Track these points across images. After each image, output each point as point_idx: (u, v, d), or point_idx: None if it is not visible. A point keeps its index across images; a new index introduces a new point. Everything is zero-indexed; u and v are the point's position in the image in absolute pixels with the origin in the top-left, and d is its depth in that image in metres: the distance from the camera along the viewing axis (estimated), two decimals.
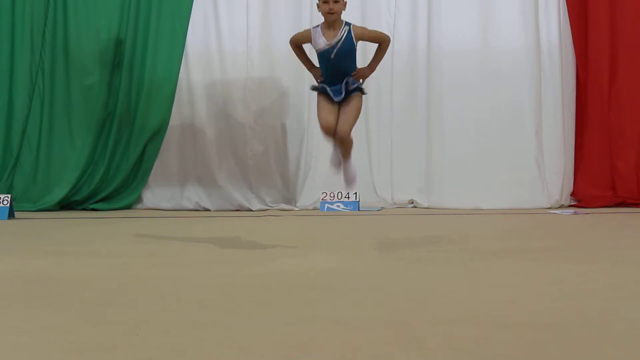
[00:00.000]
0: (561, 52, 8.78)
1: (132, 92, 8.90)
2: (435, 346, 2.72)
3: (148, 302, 3.49)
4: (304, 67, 5.13)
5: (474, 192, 8.59)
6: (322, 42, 4.71)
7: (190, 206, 8.85)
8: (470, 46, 8.80)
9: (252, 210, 8.60)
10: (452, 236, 6.14)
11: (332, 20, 4.71)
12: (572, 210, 8.31)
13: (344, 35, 4.68)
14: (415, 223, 7.37)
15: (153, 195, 9.00)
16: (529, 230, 6.68)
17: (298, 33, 5.07)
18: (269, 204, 8.81)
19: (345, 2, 4.76)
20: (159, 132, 8.87)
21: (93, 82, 8.85)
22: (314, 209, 8.74)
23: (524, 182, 8.64)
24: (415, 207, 8.82)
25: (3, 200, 7.74)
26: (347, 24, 4.75)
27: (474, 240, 5.77)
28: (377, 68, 5.02)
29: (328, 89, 4.74)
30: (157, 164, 8.97)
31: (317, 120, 9.06)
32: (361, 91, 4.82)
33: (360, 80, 4.87)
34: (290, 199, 8.95)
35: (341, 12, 4.74)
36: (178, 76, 8.85)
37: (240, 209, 8.68)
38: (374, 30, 5.05)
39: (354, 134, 4.99)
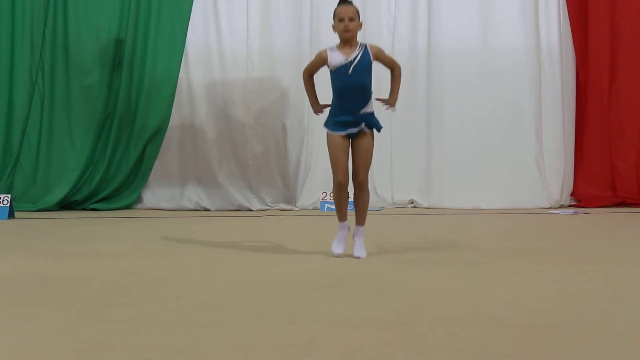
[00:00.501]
0: (561, 52, 8.78)
1: (132, 92, 8.90)
2: (435, 346, 2.73)
3: (148, 302, 3.49)
4: (308, 97, 4.88)
5: (474, 192, 8.59)
6: (339, 58, 4.55)
7: (190, 206, 8.85)
8: (470, 46, 8.80)
9: (252, 210, 8.60)
10: (452, 236, 6.14)
11: (348, 38, 4.56)
12: (572, 210, 8.32)
13: (361, 52, 4.57)
14: (415, 223, 7.38)
15: (153, 195, 9.00)
16: (529, 230, 6.69)
17: (311, 61, 4.79)
18: (269, 204, 8.81)
19: (361, 23, 4.63)
20: (159, 132, 8.87)
21: (93, 82, 8.85)
22: (314, 209, 8.74)
23: (524, 182, 8.64)
24: (415, 207, 8.83)
25: (3, 200, 7.74)
26: (363, 43, 4.65)
27: (473, 240, 5.77)
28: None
29: (343, 131, 4.55)
30: (157, 164, 8.97)
31: (317, 120, 9.15)
32: (378, 129, 4.66)
33: (390, 108, 4.80)
34: (290, 199, 8.95)
35: (357, 32, 4.60)
36: (178, 76, 8.85)
37: (240, 209, 8.69)
38: (389, 55, 4.89)
39: None
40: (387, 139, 8.80)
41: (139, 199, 8.97)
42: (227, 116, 8.89)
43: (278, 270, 4.36)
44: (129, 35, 8.87)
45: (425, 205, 8.77)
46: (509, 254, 4.97)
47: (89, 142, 8.87)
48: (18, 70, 8.96)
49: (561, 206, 8.62)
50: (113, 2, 8.88)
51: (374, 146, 4.68)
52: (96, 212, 8.63)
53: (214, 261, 4.80)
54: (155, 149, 8.92)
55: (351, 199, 4.79)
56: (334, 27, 4.59)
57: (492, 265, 4.52)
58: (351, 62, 4.51)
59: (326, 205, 8.61)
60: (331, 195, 8.73)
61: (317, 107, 4.85)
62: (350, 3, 4.61)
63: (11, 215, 7.73)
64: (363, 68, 4.52)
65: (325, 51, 4.63)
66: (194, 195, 8.91)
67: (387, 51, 8.84)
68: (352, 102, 4.52)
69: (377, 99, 4.74)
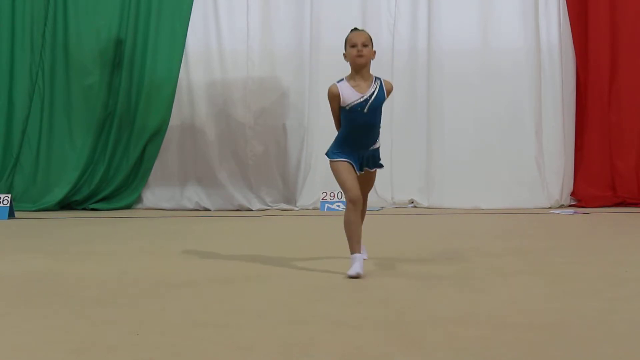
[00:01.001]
0: (561, 52, 8.78)
1: (132, 92, 8.90)
2: (435, 346, 2.73)
3: (148, 302, 3.49)
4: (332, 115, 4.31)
5: (473, 192, 8.59)
6: (354, 95, 4.11)
7: (190, 206, 8.85)
8: (470, 46, 8.80)
9: (252, 210, 8.60)
10: (451, 236, 6.14)
11: (360, 64, 4.12)
12: (572, 210, 8.32)
13: (377, 88, 4.16)
14: (415, 223, 7.37)
15: (153, 195, 9.00)
16: (529, 230, 6.69)
17: (331, 106, 4.23)
18: (269, 204, 8.81)
19: (375, 52, 4.20)
20: (159, 132, 8.87)
21: (93, 82, 8.85)
22: (314, 208, 8.74)
23: (524, 182, 8.64)
24: (415, 207, 8.83)
25: (3, 200, 7.74)
26: (377, 78, 4.23)
27: (473, 240, 5.77)
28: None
29: (355, 164, 4.21)
30: (157, 164, 8.97)
31: (316, 121, 9.18)
32: (380, 167, 4.41)
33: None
34: (290, 199, 8.95)
35: (370, 60, 4.18)
36: (178, 76, 8.85)
37: (240, 209, 8.69)
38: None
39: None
40: (387, 139, 8.78)
41: (139, 199, 8.97)
42: (227, 116, 8.89)
43: (278, 270, 4.36)
44: (129, 35, 8.87)
45: (425, 205, 8.77)
46: (509, 254, 4.97)
47: (89, 142, 8.88)
48: (18, 70, 8.96)
49: (561, 206, 8.62)
50: (113, 2, 8.89)
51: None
52: (96, 212, 8.63)
53: (214, 261, 4.80)
54: (155, 149, 8.92)
55: None
56: (345, 55, 4.19)
57: (492, 265, 4.52)
58: (367, 100, 4.12)
59: (326, 205, 8.62)
60: (331, 195, 8.78)
61: None
62: (362, 30, 4.28)
63: (11, 215, 7.73)
64: (378, 105, 4.16)
65: (335, 87, 4.16)
66: (194, 195, 8.91)
67: (388, 52, 9.00)
68: (363, 139, 4.22)
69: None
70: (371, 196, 9.25)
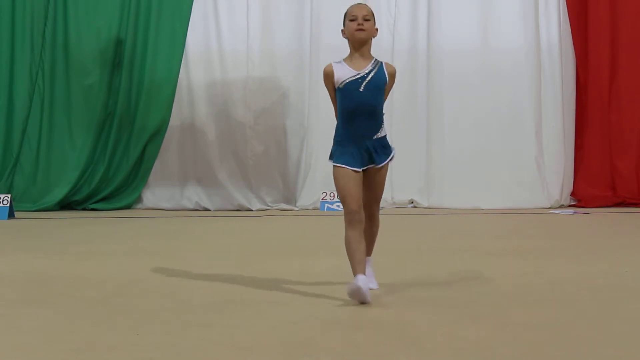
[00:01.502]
0: (561, 52, 8.78)
1: (132, 92, 8.90)
2: (435, 346, 2.73)
3: (148, 302, 3.49)
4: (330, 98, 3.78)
5: (473, 192, 8.59)
6: (350, 72, 3.59)
7: (190, 206, 8.85)
8: (470, 46, 8.80)
9: (252, 210, 8.60)
10: (451, 236, 6.15)
11: (360, 40, 3.60)
12: (572, 210, 8.32)
13: (377, 67, 3.63)
14: (415, 223, 7.38)
15: (153, 195, 9.00)
16: (529, 230, 6.69)
17: (328, 90, 3.75)
18: (269, 204, 8.81)
19: (377, 29, 3.69)
20: (159, 132, 8.87)
21: (93, 82, 8.85)
22: (314, 209, 8.74)
23: (524, 182, 8.64)
24: (415, 207, 8.83)
25: (3, 200, 7.74)
26: (378, 60, 3.69)
27: (473, 240, 5.78)
28: None
29: (353, 166, 3.58)
30: (157, 164, 8.97)
31: (316, 121, 9.19)
32: (391, 158, 3.72)
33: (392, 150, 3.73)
34: (290, 199, 8.95)
35: (371, 37, 3.66)
36: (178, 76, 8.85)
37: (240, 209, 8.68)
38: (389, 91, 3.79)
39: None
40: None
41: (139, 199, 8.97)
42: (227, 116, 8.89)
43: (278, 270, 4.36)
44: (129, 35, 8.87)
45: (425, 205, 8.77)
46: (509, 254, 4.97)
47: (89, 142, 8.87)
48: (18, 70, 8.96)
49: (561, 206, 8.62)
50: (113, 2, 8.88)
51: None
52: (96, 212, 8.63)
53: (214, 261, 4.80)
54: (155, 149, 8.91)
55: None
56: (343, 31, 3.68)
57: (492, 265, 4.52)
58: (364, 77, 3.58)
59: (326, 205, 8.62)
60: (331, 195, 8.77)
61: None
62: (364, 4, 3.78)
63: (11, 215, 7.73)
64: (377, 87, 3.60)
65: (329, 65, 3.67)
66: (194, 195, 8.91)
67: (388, 52, 9.00)
68: (362, 127, 3.59)
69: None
70: None
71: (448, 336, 2.85)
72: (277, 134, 8.94)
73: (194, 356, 2.61)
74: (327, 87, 3.72)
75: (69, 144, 8.89)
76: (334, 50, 9.00)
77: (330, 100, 3.76)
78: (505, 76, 8.73)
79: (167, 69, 8.83)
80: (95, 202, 8.81)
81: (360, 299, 3.33)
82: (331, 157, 3.65)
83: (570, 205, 8.71)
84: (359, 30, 3.61)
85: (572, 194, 8.85)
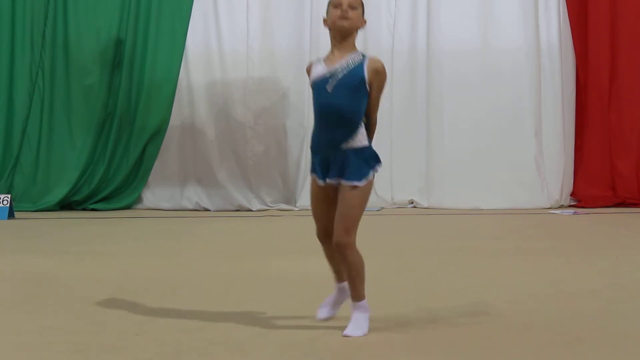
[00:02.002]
0: (561, 52, 8.77)
1: (132, 92, 8.89)
2: (435, 346, 2.73)
3: (148, 302, 3.50)
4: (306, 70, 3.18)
5: (473, 192, 8.58)
6: (322, 69, 2.99)
7: (190, 206, 8.85)
8: (470, 46, 8.79)
9: (252, 210, 8.60)
10: (451, 237, 6.15)
11: (342, 30, 2.98)
12: (572, 210, 8.31)
13: (354, 63, 2.96)
14: (414, 223, 7.38)
15: (153, 195, 9.00)
16: (528, 230, 6.69)
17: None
18: (269, 204, 8.81)
19: (365, 20, 3.09)
20: (159, 132, 8.86)
21: (93, 82, 8.84)
22: None
23: (523, 182, 8.64)
24: (415, 207, 8.82)
25: (3, 200, 7.73)
26: (363, 54, 3.03)
27: (473, 241, 5.78)
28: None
29: (318, 171, 3.01)
30: (157, 164, 8.97)
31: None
32: (362, 178, 2.94)
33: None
34: (290, 199, 8.95)
35: (356, 28, 3.04)
36: (178, 76, 8.84)
37: (240, 209, 8.68)
38: (380, 94, 3.09)
39: None
40: (387, 139, 8.80)
41: (139, 199, 8.97)
42: (227, 116, 8.89)
43: (278, 271, 4.36)
44: (129, 35, 8.87)
45: (425, 205, 8.76)
46: (509, 254, 4.97)
47: (89, 142, 8.87)
48: (18, 70, 8.96)
49: (561, 206, 8.62)
50: (113, 2, 8.88)
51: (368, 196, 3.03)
52: (96, 212, 8.63)
53: (214, 261, 4.81)
54: (155, 149, 8.91)
55: None
56: (325, 20, 3.07)
57: (492, 265, 4.52)
58: (334, 75, 2.95)
59: None
60: None
61: None
62: None
63: (11, 215, 7.72)
64: (349, 87, 2.94)
65: (310, 63, 3.12)
66: (194, 195, 8.91)
67: (387, 52, 9.01)
68: (327, 131, 2.97)
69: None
70: (371, 196, 9.33)
71: (448, 336, 2.85)
72: (277, 134, 8.94)
73: (194, 356, 2.61)
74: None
75: (69, 144, 8.89)
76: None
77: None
78: (505, 76, 8.72)
79: (167, 69, 8.83)
80: (95, 202, 8.81)
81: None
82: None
83: (570, 206, 8.71)
84: (342, 19, 2.99)
85: (572, 194, 8.84)
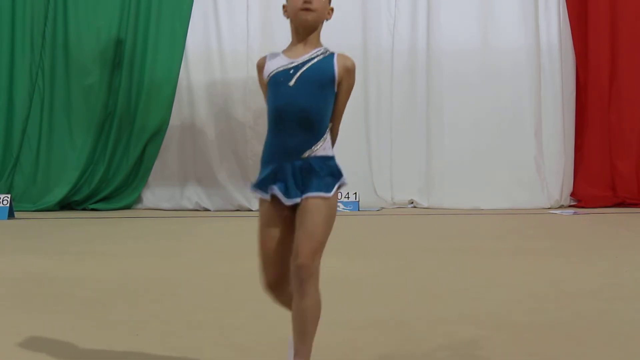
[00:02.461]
0: (561, 52, 8.78)
1: (132, 92, 8.90)
2: (435, 346, 2.73)
3: (148, 302, 3.50)
4: None
5: (473, 192, 8.58)
6: (282, 60, 2.45)
7: (190, 206, 8.85)
8: (470, 46, 8.79)
9: (252, 210, 8.60)
10: (451, 236, 6.15)
11: (303, 22, 2.43)
12: (572, 210, 8.32)
13: (320, 57, 2.43)
14: (414, 223, 7.37)
15: (153, 195, 9.00)
16: (528, 230, 6.69)
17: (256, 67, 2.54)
18: None
19: (332, 9, 2.51)
20: (159, 132, 8.87)
21: (93, 82, 8.85)
22: None
23: (523, 182, 8.64)
24: (415, 207, 8.82)
25: (3, 200, 7.74)
26: (329, 50, 2.49)
27: (473, 241, 5.78)
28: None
29: (274, 190, 2.42)
30: (157, 164, 8.97)
31: None
32: (329, 189, 2.36)
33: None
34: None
35: (321, 21, 2.48)
36: (178, 76, 8.85)
37: (240, 209, 8.69)
38: (348, 95, 2.49)
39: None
40: (387, 139, 8.80)
41: (138, 199, 8.97)
42: (227, 116, 8.90)
43: None
44: (129, 35, 8.88)
45: (425, 205, 8.76)
46: (509, 254, 4.97)
47: (89, 142, 8.88)
48: (18, 70, 8.96)
49: (561, 206, 8.62)
50: (113, 2, 8.89)
51: (335, 212, 2.40)
52: (96, 212, 8.63)
53: (214, 261, 4.81)
54: (155, 149, 8.92)
55: None
56: (284, 8, 2.50)
57: (492, 265, 4.52)
58: (298, 67, 2.41)
59: None
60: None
61: None
62: None
63: (11, 215, 7.72)
64: (316, 82, 2.40)
65: (263, 57, 2.54)
66: (194, 195, 8.92)
67: (388, 52, 9.02)
68: (290, 137, 2.41)
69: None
70: (371, 197, 9.40)
71: (447, 336, 2.85)
72: None
73: (194, 356, 2.61)
74: (260, 86, 2.58)
75: (69, 144, 8.90)
76: (334, 49, 9.02)
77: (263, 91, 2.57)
78: (505, 76, 8.73)
79: (167, 69, 8.83)
80: (95, 202, 8.82)
81: None
82: (253, 184, 2.54)
83: (570, 206, 8.71)
84: (305, 11, 2.43)
85: (572, 194, 8.85)
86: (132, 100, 8.89)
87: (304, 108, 2.39)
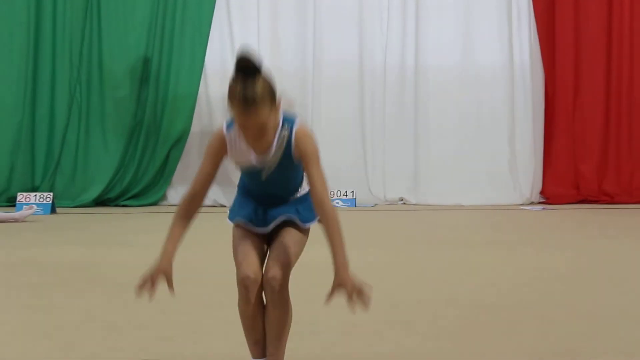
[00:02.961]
0: (532, 68, 8.80)
1: (158, 104, 8.91)
2: (420, 325, 2.75)
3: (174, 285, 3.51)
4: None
5: (455, 190, 8.60)
6: (247, 154, 2.14)
7: (209, 202, 8.87)
8: (453, 61, 8.76)
9: None
10: (436, 229, 6.17)
11: (257, 148, 2.10)
12: (541, 206, 8.33)
13: (283, 146, 2.11)
14: (404, 218, 7.39)
15: (176, 193, 9.01)
16: (503, 224, 6.71)
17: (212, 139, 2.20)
18: None
19: (279, 104, 2.13)
20: (181, 138, 8.89)
21: (124, 95, 8.86)
22: None
23: (499, 181, 8.67)
24: (404, 203, 8.83)
25: (46, 198, 7.77)
26: (289, 122, 2.14)
27: (455, 233, 5.80)
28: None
29: (253, 215, 2.22)
30: (179, 166, 8.98)
31: (318, 129, 9.20)
32: (305, 222, 2.24)
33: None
34: None
35: (267, 124, 2.06)
36: (198, 90, 8.87)
37: None
38: (318, 168, 2.13)
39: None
40: (380, 144, 8.83)
41: (164, 197, 8.99)
42: None
43: None
44: (155, 54, 8.90)
45: (414, 202, 8.78)
46: (486, 245, 4.99)
47: (121, 147, 8.90)
48: (58, 85, 8.98)
49: (531, 203, 8.63)
50: (141, 25, 8.90)
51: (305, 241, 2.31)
52: (127, 207, 8.65)
53: (219, 258, 4.82)
54: (178, 153, 8.94)
55: None
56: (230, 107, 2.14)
57: (471, 254, 4.54)
58: (266, 167, 2.14)
59: None
60: (330, 192, 8.76)
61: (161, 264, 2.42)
62: (252, 103, 2.06)
63: (53, 211, 7.75)
64: (284, 170, 2.15)
65: (220, 132, 2.18)
66: (211, 192, 8.88)
67: (380, 67, 9.06)
68: (270, 200, 2.21)
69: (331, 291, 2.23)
70: (366, 195, 9.42)
71: (432, 316, 2.88)
72: None
73: (211, 334, 2.64)
74: (206, 154, 2.21)
75: (103, 148, 8.92)
76: (334, 64, 9.06)
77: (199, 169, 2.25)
78: (483, 88, 8.75)
79: (189, 83, 8.85)
80: (126, 199, 8.84)
81: None
82: (229, 216, 2.33)
83: (539, 202, 8.73)
84: (253, 141, 2.09)
85: (541, 192, 8.86)
86: (157, 111, 8.91)
87: (276, 193, 2.20)
